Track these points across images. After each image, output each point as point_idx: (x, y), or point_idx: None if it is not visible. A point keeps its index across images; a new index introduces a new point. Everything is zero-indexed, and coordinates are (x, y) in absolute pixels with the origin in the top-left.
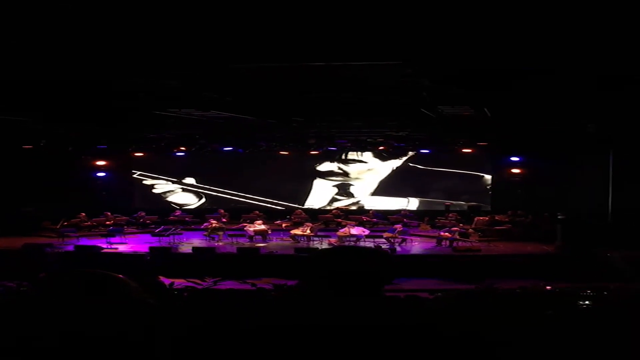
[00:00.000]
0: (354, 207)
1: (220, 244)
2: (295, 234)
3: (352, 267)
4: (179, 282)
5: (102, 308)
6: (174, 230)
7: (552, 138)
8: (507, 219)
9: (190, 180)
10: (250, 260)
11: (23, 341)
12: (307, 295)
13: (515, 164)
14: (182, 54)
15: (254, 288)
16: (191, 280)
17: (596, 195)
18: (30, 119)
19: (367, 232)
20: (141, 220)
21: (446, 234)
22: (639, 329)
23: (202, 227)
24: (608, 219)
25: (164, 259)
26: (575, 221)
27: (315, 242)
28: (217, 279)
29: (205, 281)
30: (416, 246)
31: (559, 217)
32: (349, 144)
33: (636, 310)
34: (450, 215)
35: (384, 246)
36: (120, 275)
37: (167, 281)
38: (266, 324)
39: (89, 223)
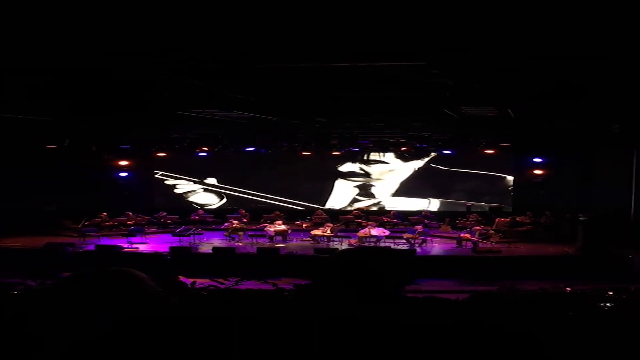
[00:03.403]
0: (374, 208)
1: (241, 244)
2: (316, 235)
3: (371, 267)
4: (201, 282)
5: (124, 304)
6: (195, 230)
7: (574, 138)
8: (528, 220)
9: (211, 181)
10: (270, 261)
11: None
12: (323, 293)
13: (537, 165)
14: (207, 53)
15: (274, 288)
16: (213, 279)
17: (619, 195)
18: (56, 115)
19: (387, 232)
20: (162, 220)
21: (467, 235)
22: None
23: (223, 227)
24: (630, 220)
25: (184, 259)
26: (597, 222)
27: (335, 243)
28: (237, 278)
29: (227, 281)
30: (436, 247)
31: (580, 218)
32: (371, 145)
33: None
34: (471, 216)
35: (402, 247)
36: (143, 274)
37: (187, 281)
38: (281, 319)
39: (110, 223)
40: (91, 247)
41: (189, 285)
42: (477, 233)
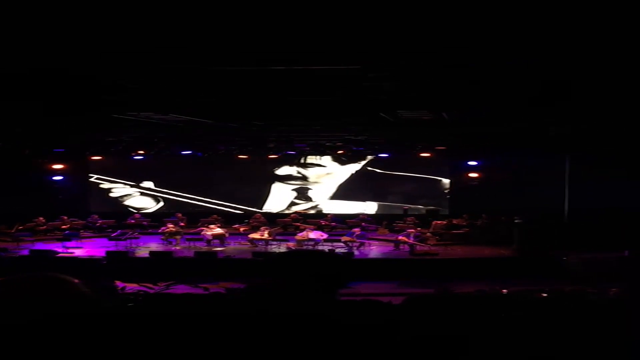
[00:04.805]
0: (312, 211)
1: (178, 248)
2: (253, 238)
3: (308, 270)
4: (131, 287)
5: (52, 310)
6: (131, 234)
7: (509, 141)
8: (464, 223)
9: (148, 184)
10: (207, 264)
11: None
12: (258, 296)
13: (473, 168)
14: (148, 56)
15: (206, 292)
16: (143, 284)
17: (553, 198)
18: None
19: (325, 236)
20: (97, 224)
21: (404, 237)
22: (595, 333)
23: (160, 231)
24: (565, 222)
25: (121, 264)
26: (532, 224)
27: (273, 246)
28: (169, 282)
29: (157, 285)
30: (374, 250)
31: (515, 220)
32: (308, 148)
33: (592, 314)
34: (409, 219)
35: (341, 250)
36: (74, 279)
37: (122, 285)
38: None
39: (44, 227)
40: (25, 252)
41: (120, 290)
42: (414, 236)
